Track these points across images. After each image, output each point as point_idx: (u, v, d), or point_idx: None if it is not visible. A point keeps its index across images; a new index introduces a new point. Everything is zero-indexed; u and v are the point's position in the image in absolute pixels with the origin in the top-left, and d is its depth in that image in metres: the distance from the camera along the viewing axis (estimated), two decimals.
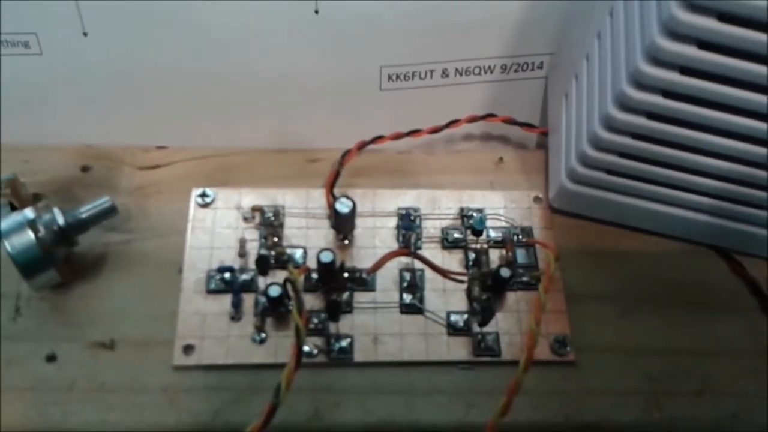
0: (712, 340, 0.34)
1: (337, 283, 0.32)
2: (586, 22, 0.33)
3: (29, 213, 0.31)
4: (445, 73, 0.39)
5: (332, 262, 0.31)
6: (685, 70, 0.26)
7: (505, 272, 0.32)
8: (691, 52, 0.26)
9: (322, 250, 0.31)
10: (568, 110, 0.34)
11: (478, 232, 0.34)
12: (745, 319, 0.34)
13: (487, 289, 0.33)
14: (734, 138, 0.29)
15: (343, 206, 0.33)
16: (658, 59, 0.26)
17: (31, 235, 0.30)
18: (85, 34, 0.35)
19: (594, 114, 0.30)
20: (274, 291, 0.31)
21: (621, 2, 0.29)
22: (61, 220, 0.31)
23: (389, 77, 0.38)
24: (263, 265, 0.33)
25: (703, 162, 0.30)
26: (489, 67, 0.39)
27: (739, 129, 0.28)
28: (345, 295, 0.33)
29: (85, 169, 0.36)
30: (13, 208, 0.31)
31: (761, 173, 0.30)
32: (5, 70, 0.35)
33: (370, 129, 0.37)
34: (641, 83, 0.27)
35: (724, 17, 0.25)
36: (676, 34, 0.25)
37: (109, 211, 0.33)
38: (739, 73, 0.26)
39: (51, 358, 0.31)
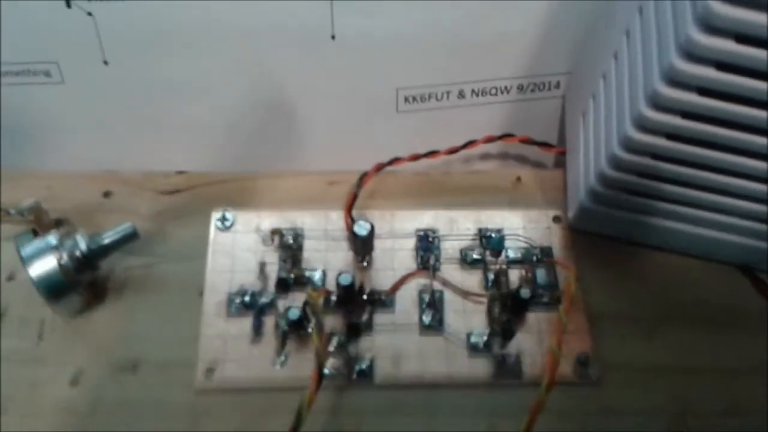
0: (738, 360, 0.33)
1: (356, 305, 0.32)
2: (602, 41, 0.33)
3: (52, 239, 0.31)
4: (461, 94, 0.39)
5: (351, 285, 0.31)
6: (704, 91, 0.26)
7: (525, 293, 0.32)
8: (711, 73, 0.25)
9: (341, 272, 0.31)
10: (585, 130, 0.34)
11: (497, 252, 0.34)
12: None
13: (507, 310, 0.33)
14: (757, 158, 0.29)
15: (361, 229, 0.33)
16: (676, 81, 0.26)
17: (54, 261, 0.30)
18: (105, 63, 0.35)
19: (612, 134, 0.30)
20: (294, 314, 0.31)
21: (637, 22, 0.29)
22: (83, 245, 0.32)
23: (406, 99, 0.38)
24: (283, 288, 0.33)
25: (725, 181, 0.30)
26: (505, 87, 0.39)
27: (762, 149, 0.28)
28: (365, 317, 0.33)
29: (106, 194, 0.37)
30: (36, 235, 0.32)
31: None
32: (28, 98, 0.36)
33: (387, 150, 0.38)
34: (659, 105, 0.27)
35: (741, 40, 0.24)
36: (694, 55, 0.25)
37: (131, 237, 0.33)
38: (759, 95, 0.26)
39: (74, 382, 0.31)
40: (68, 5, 0.33)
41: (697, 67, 0.25)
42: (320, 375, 0.28)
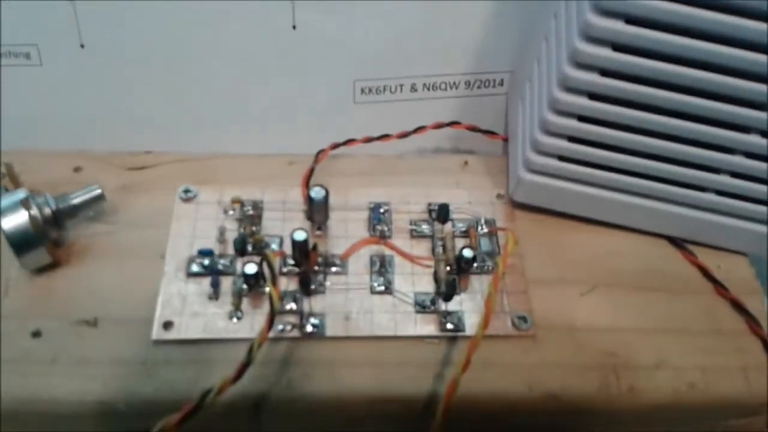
0: (669, 320, 0.35)
1: (309, 264, 0.34)
2: (537, 28, 0.37)
3: (22, 193, 0.33)
4: (413, 88, 0.42)
5: (305, 241, 0.33)
6: (618, 47, 0.29)
7: (468, 252, 0.34)
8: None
9: (296, 229, 0.33)
10: (523, 110, 0.37)
11: (443, 220, 0.37)
12: (699, 301, 0.36)
13: (453, 272, 0.35)
14: (679, 117, 0.31)
15: (316, 194, 0.35)
16: (591, 37, 0.29)
17: (24, 213, 0.32)
18: (82, 46, 0.38)
19: (543, 101, 0.33)
20: (250, 268, 0.33)
21: (563, 6, 0.32)
22: (53, 203, 0.34)
23: (362, 91, 0.41)
24: (241, 246, 0.35)
25: (648, 143, 0.33)
26: (454, 83, 0.42)
27: (684, 108, 0.31)
28: (319, 277, 0.35)
29: (77, 170, 0.39)
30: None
31: (712, 154, 0.32)
32: (8, 79, 0.38)
33: (345, 138, 0.40)
34: (579, 62, 0.30)
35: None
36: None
37: (98, 198, 0.35)
38: (673, 49, 0.29)
39: (36, 334, 0.33)
40: None
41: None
42: (273, 317, 0.30)
